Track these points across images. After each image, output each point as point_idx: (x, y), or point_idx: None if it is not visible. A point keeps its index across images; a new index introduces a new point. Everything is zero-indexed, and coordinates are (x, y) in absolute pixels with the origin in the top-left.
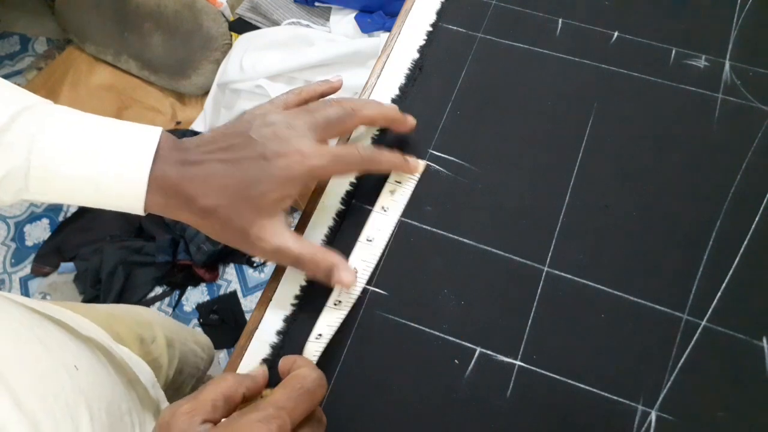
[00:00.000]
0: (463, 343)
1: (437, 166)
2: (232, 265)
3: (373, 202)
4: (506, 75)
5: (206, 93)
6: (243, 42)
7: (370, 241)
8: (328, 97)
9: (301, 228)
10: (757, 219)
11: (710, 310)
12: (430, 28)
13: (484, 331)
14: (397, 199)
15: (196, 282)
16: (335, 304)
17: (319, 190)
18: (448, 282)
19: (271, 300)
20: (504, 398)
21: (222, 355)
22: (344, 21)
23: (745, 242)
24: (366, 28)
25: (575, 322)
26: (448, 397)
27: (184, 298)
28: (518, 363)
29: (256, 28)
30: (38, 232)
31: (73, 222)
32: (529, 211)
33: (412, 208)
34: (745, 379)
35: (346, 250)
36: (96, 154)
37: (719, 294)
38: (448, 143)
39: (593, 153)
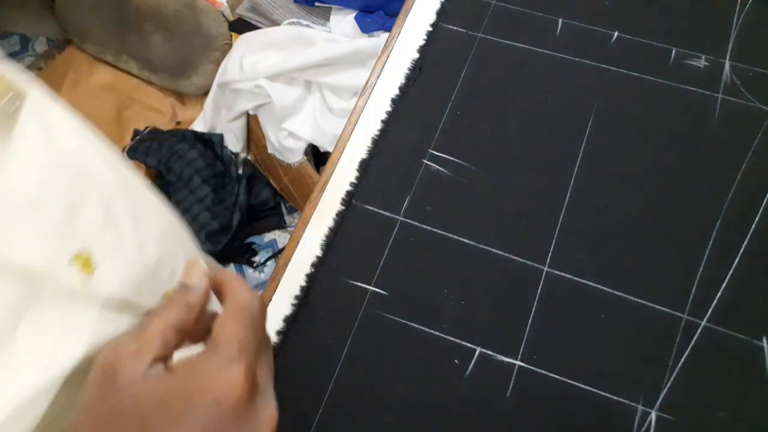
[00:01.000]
0: (463, 343)
1: (437, 166)
2: (232, 265)
3: (373, 203)
4: (506, 75)
5: (206, 93)
6: (243, 42)
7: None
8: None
9: (301, 228)
10: (757, 219)
11: (710, 310)
12: (430, 28)
13: (484, 331)
14: None
15: None
16: None
17: (319, 190)
18: (448, 282)
19: (271, 300)
20: (504, 398)
21: None
22: (344, 21)
23: (745, 242)
24: (366, 28)
25: (575, 322)
26: (448, 397)
27: None
28: (518, 363)
29: (256, 28)
30: None
31: None
32: (529, 211)
33: (412, 208)
34: (745, 379)
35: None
36: None
37: (719, 294)
38: (448, 143)
39: (593, 153)
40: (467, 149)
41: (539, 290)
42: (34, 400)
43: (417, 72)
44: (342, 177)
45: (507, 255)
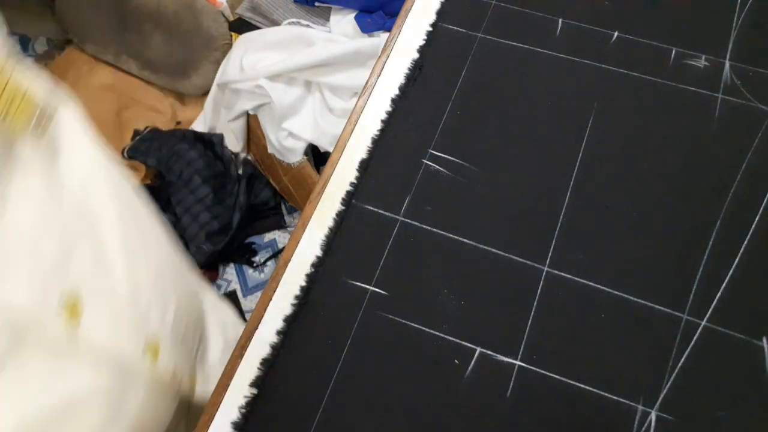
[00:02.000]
0: (463, 343)
1: (437, 166)
2: (232, 265)
3: (373, 203)
4: (506, 75)
5: (206, 93)
6: (243, 42)
7: None
8: None
9: (301, 228)
10: (757, 219)
11: (710, 310)
12: (430, 28)
13: (484, 331)
14: None
15: None
16: None
17: (319, 190)
18: (448, 282)
19: (271, 300)
20: (504, 398)
21: None
22: (344, 21)
23: (745, 242)
24: (366, 28)
25: (575, 321)
26: (448, 397)
27: None
28: (518, 363)
29: (256, 28)
30: None
31: None
32: (529, 211)
33: (412, 208)
34: (745, 379)
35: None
36: None
37: (719, 294)
38: (448, 143)
39: (593, 153)
40: (467, 149)
41: (539, 290)
42: None
43: (417, 72)
44: (342, 177)
45: (507, 255)
